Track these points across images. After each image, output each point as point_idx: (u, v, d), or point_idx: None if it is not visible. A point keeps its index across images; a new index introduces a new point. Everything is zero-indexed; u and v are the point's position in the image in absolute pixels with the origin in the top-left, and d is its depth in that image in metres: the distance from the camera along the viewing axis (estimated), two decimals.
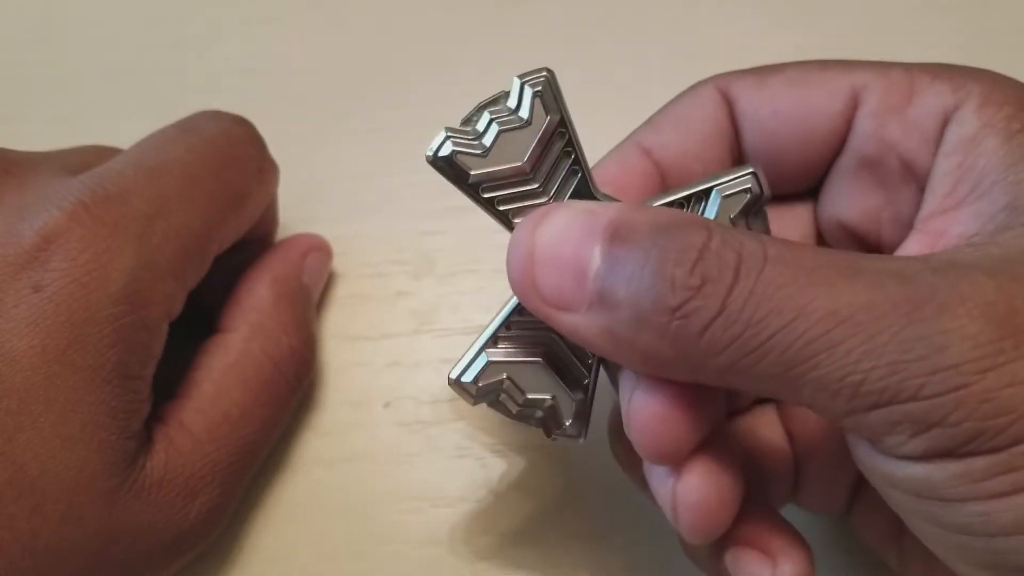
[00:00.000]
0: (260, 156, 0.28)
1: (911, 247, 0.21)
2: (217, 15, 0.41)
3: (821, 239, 0.24)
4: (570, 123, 0.20)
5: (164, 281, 0.24)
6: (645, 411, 0.19)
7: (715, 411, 0.20)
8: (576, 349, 0.21)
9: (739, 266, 0.16)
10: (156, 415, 0.25)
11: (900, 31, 0.39)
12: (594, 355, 0.21)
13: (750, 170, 0.21)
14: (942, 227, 0.20)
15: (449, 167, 0.20)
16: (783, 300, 0.16)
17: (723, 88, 0.23)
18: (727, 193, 0.21)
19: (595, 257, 0.17)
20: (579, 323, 0.18)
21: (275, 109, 0.38)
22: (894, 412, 0.16)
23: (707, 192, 0.21)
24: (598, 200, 0.20)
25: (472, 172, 0.20)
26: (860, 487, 0.24)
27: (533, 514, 0.29)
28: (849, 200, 0.23)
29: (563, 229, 0.18)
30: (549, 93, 0.20)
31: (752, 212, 0.21)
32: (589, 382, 0.21)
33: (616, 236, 0.17)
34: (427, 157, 0.20)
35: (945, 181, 0.20)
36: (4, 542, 0.21)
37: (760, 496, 0.23)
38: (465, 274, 0.33)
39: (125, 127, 0.34)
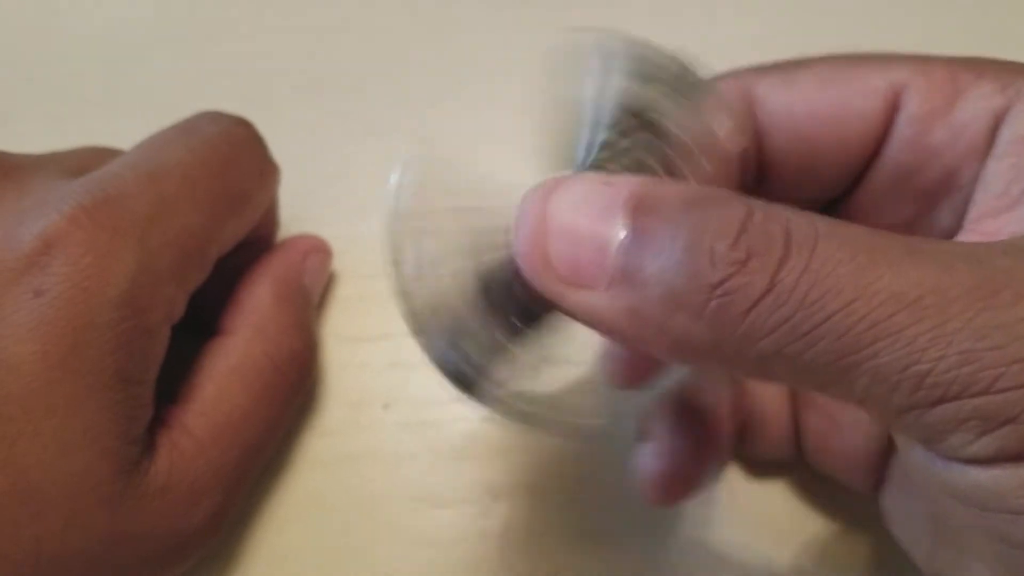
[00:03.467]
0: (261, 157, 0.28)
1: None
2: (217, 15, 0.41)
3: None
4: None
5: (165, 285, 0.23)
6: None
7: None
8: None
9: (788, 240, 0.15)
10: (159, 419, 0.24)
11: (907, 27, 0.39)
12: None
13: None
14: (994, 228, 0.19)
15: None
16: (842, 278, 0.14)
17: (745, 86, 0.21)
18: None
19: (618, 229, 0.15)
20: (598, 302, 0.16)
21: (275, 109, 0.38)
22: (963, 407, 0.14)
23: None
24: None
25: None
26: (891, 466, 0.22)
27: (534, 515, 0.29)
28: (881, 210, 0.21)
29: (581, 198, 0.16)
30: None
31: None
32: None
33: (641, 207, 0.16)
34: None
35: (997, 182, 0.19)
36: (7, 548, 0.20)
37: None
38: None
39: (125, 127, 0.34)
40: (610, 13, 0.41)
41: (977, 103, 0.19)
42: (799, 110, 0.21)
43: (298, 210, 0.33)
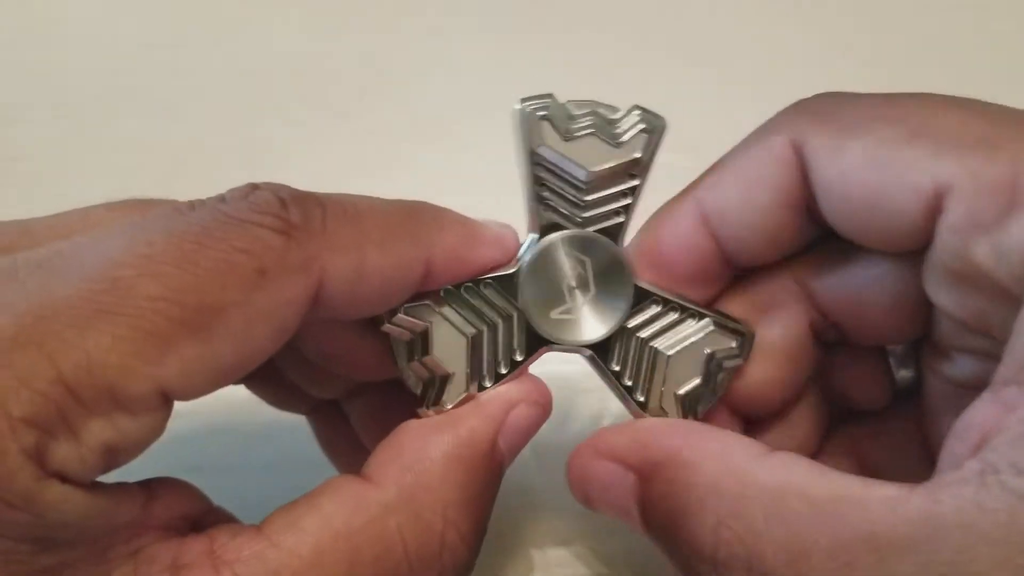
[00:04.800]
0: (264, 250, 0.18)
1: (980, 413, 0.17)
2: (217, 15, 0.41)
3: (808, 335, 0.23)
4: (647, 174, 0.21)
5: (20, 431, 0.15)
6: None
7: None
8: (500, 354, 0.21)
9: None
10: (204, 549, 0.18)
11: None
12: (508, 373, 0.21)
13: (750, 332, 0.22)
14: (1014, 399, 0.17)
15: (530, 125, 0.20)
16: None
17: (797, 143, 0.20)
18: (717, 331, 0.21)
19: (634, 510, 0.20)
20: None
21: (275, 109, 0.38)
22: None
23: (702, 316, 0.22)
24: (623, 255, 0.21)
25: (544, 143, 0.21)
26: None
27: (532, 512, 0.29)
28: (945, 298, 0.20)
29: (606, 487, 0.20)
30: (655, 137, 0.21)
31: (724, 364, 0.22)
32: (491, 387, 0.21)
33: (644, 509, 0.20)
34: (517, 105, 0.21)
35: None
36: None
37: None
38: None
39: (125, 127, 0.34)
40: (614, 12, 0.41)
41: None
42: (839, 190, 0.19)
43: None
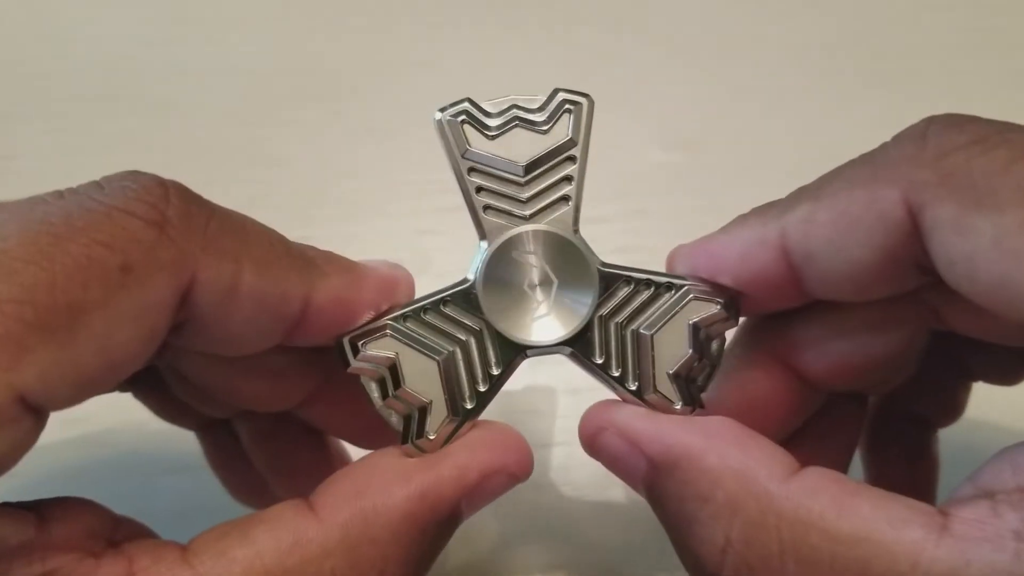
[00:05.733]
0: (130, 244, 0.16)
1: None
2: (216, 15, 0.41)
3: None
4: (585, 154, 0.20)
5: None
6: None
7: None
8: (477, 371, 0.20)
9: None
10: (131, 568, 0.17)
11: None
12: (488, 389, 0.20)
13: (732, 291, 0.20)
14: None
15: (452, 132, 0.20)
16: None
17: (914, 207, 0.17)
18: (698, 297, 0.20)
19: (640, 487, 0.20)
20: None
21: (275, 109, 0.38)
22: None
23: (677, 287, 0.21)
24: (578, 242, 0.21)
25: (469, 147, 0.20)
26: None
27: (530, 513, 0.29)
28: None
29: (614, 456, 0.20)
30: (581, 116, 0.20)
31: (713, 331, 0.21)
32: (473, 408, 0.20)
33: (652, 496, 0.20)
34: (435, 117, 0.20)
35: None
36: None
37: None
38: (462, 274, 0.33)
39: (124, 126, 0.34)
40: (614, 13, 0.41)
41: None
42: (976, 267, 0.17)
43: (298, 210, 0.33)
